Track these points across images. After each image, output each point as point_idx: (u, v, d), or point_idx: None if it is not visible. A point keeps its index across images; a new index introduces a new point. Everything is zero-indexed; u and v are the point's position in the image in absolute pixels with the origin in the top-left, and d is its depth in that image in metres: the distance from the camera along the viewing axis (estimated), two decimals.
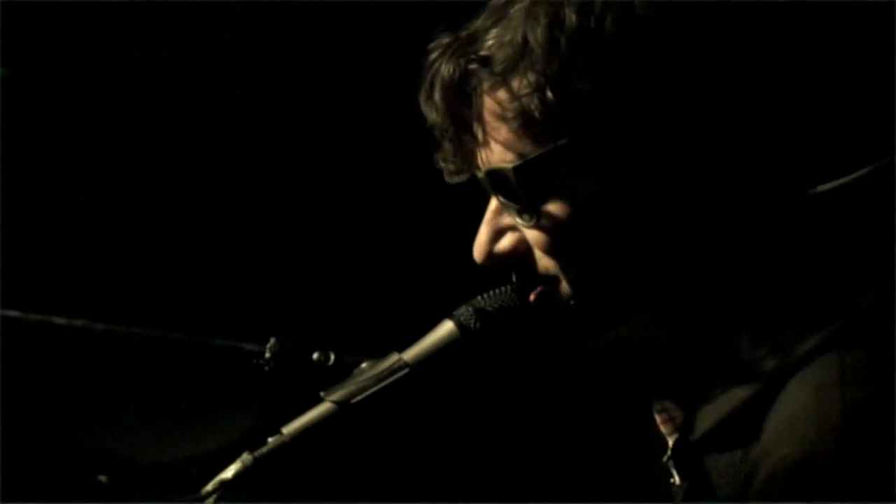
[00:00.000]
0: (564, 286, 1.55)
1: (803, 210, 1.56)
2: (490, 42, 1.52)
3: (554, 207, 1.52)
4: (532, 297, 1.59)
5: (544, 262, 1.55)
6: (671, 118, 1.47)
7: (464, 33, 1.56)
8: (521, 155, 1.51)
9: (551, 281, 1.56)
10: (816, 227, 1.55)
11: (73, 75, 3.05)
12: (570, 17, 1.48)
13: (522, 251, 1.57)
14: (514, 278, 1.60)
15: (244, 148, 3.17)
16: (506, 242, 1.58)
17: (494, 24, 1.53)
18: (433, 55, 1.56)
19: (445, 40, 1.57)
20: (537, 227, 1.53)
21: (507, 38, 1.51)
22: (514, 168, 1.51)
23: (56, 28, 2.99)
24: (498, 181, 1.54)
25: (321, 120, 3.14)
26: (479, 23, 1.55)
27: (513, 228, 1.57)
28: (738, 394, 1.52)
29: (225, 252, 3.17)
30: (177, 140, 3.14)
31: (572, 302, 1.56)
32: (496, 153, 1.54)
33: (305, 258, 3.17)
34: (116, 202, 3.13)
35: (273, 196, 3.19)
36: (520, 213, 1.54)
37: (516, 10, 1.52)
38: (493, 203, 1.58)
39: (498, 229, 1.58)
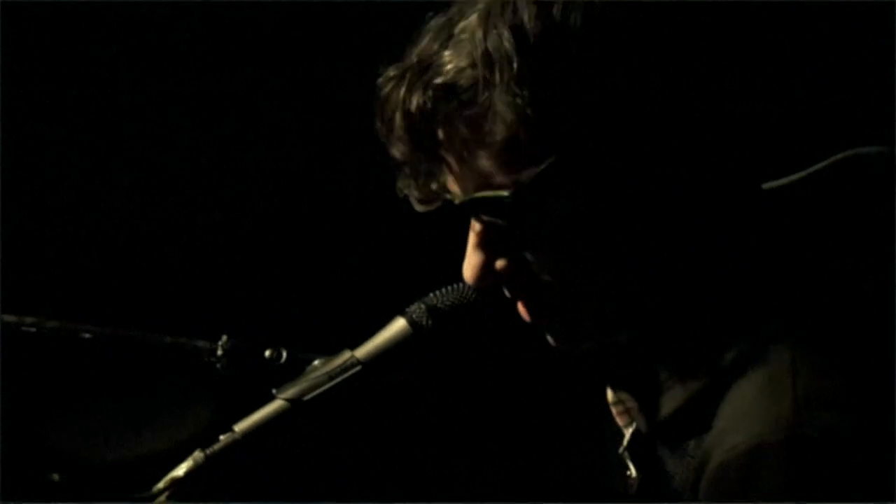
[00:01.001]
0: (554, 300, 1.55)
1: (759, 204, 1.57)
2: (448, 67, 1.48)
3: (544, 225, 1.50)
4: (524, 313, 1.58)
5: (539, 280, 1.53)
6: (648, 119, 1.46)
7: (413, 61, 1.51)
8: (509, 180, 1.48)
9: (543, 296, 1.55)
10: (769, 222, 1.56)
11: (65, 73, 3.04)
12: (533, 27, 1.44)
13: (514, 271, 1.55)
14: (507, 294, 1.58)
15: (198, 148, 3.16)
16: (498, 264, 1.55)
17: (443, 47, 1.49)
18: (386, 89, 1.52)
19: (394, 72, 1.53)
20: (527, 246, 1.52)
21: (467, 61, 1.47)
22: (512, 195, 1.47)
23: (55, 26, 2.98)
24: (484, 206, 1.51)
25: (277, 124, 3.13)
26: (423, 47, 1.51)
27: (502, 249, 1.55)
28: (691, 386, 1.52)
29: (177, 250, 3.16)
30: (130, 141, 3.13)
31: (563, 313, 1.56)
32: (476, 180, 1.50)
33: (257, 256, 3.16)
34: (67, 201, 3.11)
35: (225, 196, 3.18)
36: (510, 235, 1.52)
37: (465, 28, 1.48)
38: (477, 225, 1.55)
39: (488, 252, 1.55)
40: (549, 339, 1.60)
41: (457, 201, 1.54)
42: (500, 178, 1.48)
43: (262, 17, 3.01)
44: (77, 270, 3.09)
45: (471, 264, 1.56)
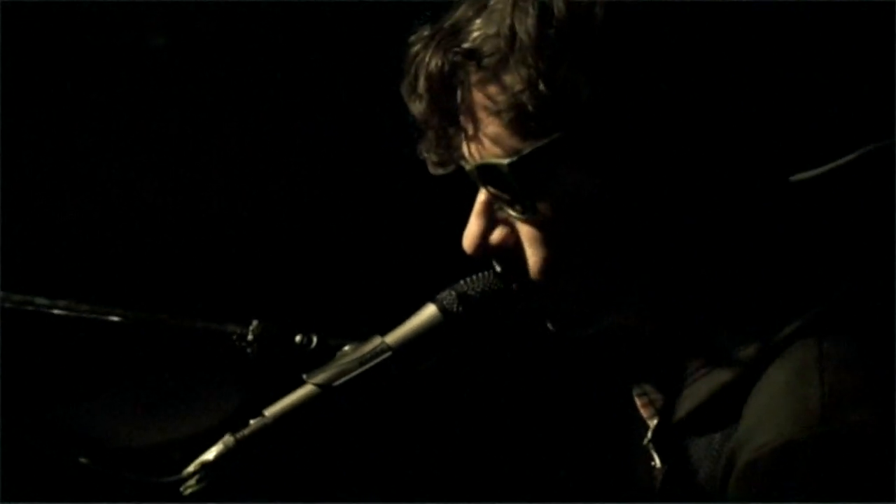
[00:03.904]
0: (551, 279, 1.56)
1: (784, 198, 1.56)
2: (475, 34, 1.50)
3: (546, 200, 1.51)
4: (516, 288, 1.59)
5: (533, 256, 1.55)
6: (662, 108, 1.46)
7: (446, 24, 1.54)
8: (513, 149, 1.50)
9: (538, 274, 1.56)
10: (797, 214, 1.56)
11: (68, 66, 3.05)
12: (560, 7, 1.46)
13: (512, 243, 1.56)
14: (498, 269, 1.60)
15: (224, 132, 3.17)
16: (496, 235, 1.57)
17: (477, 15, 1.51)
18: (416, 47, 1.55)
19: (427, 32, 1.55)
20: (529, 220, 1.53)
21: (493, 30, 1.49)
22: (510, 164, 1.50)
23: (56, 19, 3.00)
24: (489, 174, 1.53)
25: (301, 109, 3.14)
26: (459, 13, 1.53)
27: (503, 220, 1.57)
28: (718, 378, 1.52)
29: (208, 235, 3.17)
30: (156, 126, 3.14)
31: (558, 294, 1.56)
32: (486, 147, 1.52)
33: (288, 241, 3.17)
34: (100, 187, 3.13)
35: (255, 180, 3.19)
36: (511, 206, 1.54)
37: (499, 1, 1.51)
38: (483, 194, 1.57)
39: (488, 221, 1.58)
40: (547, 323, 1.61)
41: (466, 167, 1.56)
42: (506, 149, 1.51)
43: (264, 11, 3.03)
44: (109, 254, 3.11)
45: (469, 232, 1.58)
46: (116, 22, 3.05)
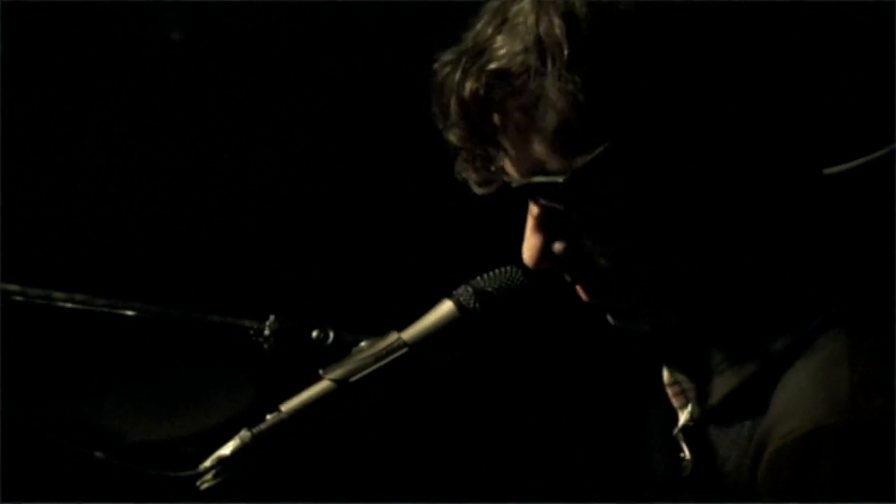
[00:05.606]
0: (611, 283, 1.55)
1: (814, 191, 1.56)
2: (501, 52, 1.48)
3: (601, 209, 1.50)
4: (582, 294, 1.58)
5: (593, 262, 1.54)
6: (699, 107, 1.45)
7: (468, 46, 1.51)
8: (562, 163, 1.48)
9: (599, 278, 1.55)
10: (826, 208, 1.56)
11: (75, 58, 3.06)
12: (584, 12, 1.44)
13: (570, 254, 1.55)
14: (566, 277, 1.58)
15: (241, 127, 3.18)
16: (557, 247, 1.56)
17: (497, 31, 1.49)
18: (443, 73, 1.53)
19: (450, 56, 1.53)
20: (583, 230, 1.52)
21: (520, 46, 1.47)
22: (563, 181, 1.48)
23: (73, 13, 3.00)
24: (540, 190, 1.51)
25: (316, 104, 3.14)
26: (479, 31, 1.51)
27: (559, 232, 1.55)
28: (747, 369, 1.53)
29: (224, 229, 3.17)
30: (174, 120, 3.14)
31: (618, 296, 1.56)
32: (532, 164, 1.50)
33: (305, 236, 3.17)
34: (115, 180, 3.13)
35: (272, 174, 3.20)
36: (567, 218, 1.52)
37: (518, 13, 1.48)
38: (534, 208, 1.55)
39: (545, 234, 1.56)
40: (609, 317, 1.61)
41: (514, 184, 1.53)
42: (554, 163, 1.49)
43: (267, 9, 3.04)
44: (125, 248, 3.11)
45: (529, 246, 1.56)
46: (133, 16, 3.06)
